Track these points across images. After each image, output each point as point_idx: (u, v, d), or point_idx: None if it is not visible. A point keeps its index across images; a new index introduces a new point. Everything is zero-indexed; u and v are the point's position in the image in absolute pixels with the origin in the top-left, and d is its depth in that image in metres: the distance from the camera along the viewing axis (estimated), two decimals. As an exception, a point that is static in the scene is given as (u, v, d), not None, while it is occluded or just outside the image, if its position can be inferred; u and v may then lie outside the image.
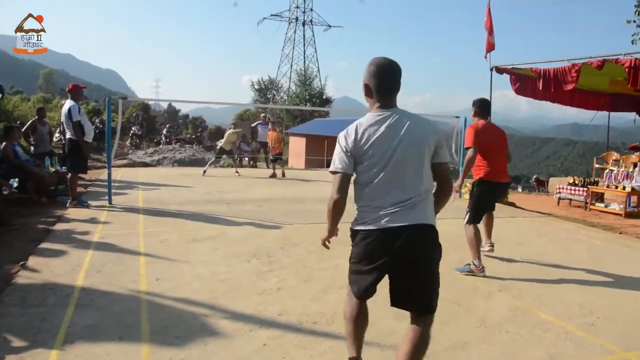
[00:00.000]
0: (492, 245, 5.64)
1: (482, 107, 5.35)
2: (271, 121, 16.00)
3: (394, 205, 2.45)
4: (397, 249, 2.42)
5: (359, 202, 2.58)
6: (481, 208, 5.37)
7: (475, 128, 5.20)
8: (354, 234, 2.61)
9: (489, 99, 5.62)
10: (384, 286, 2.56)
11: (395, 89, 2.57)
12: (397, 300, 2.57)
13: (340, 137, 2.57)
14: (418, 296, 2.51)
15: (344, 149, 2.53)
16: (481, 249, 5.31)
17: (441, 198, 2.66)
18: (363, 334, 2.75)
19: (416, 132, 2.50)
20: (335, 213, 2.56)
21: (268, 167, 17.58)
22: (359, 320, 2.70)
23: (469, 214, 5.29)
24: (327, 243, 2.84)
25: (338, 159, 2.53)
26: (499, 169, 5.28)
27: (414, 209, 2.46)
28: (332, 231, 2.71)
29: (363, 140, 2.48)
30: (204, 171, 13.73)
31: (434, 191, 2.64)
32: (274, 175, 13.81)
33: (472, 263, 5.05)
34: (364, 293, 2.59)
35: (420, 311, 2.55)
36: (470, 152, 5.13)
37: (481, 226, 5.42)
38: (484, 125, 5.27)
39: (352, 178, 2.59)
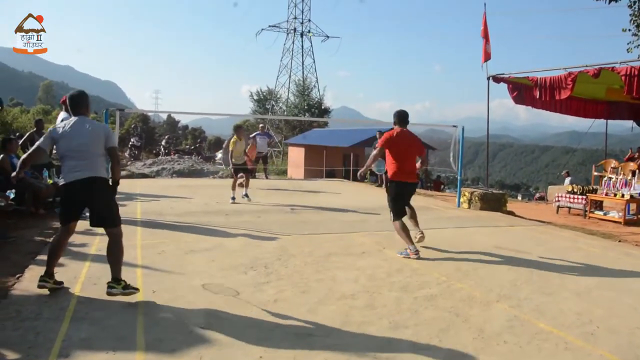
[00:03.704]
0: (422, 233, 6.44)
1: (400, 117, 6.29)
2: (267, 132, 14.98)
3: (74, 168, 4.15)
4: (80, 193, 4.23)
5: None
6: (399, 206, 6.21)
7: (390, 134, 6.19)
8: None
9: (406, 111, 6.43)
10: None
11: (80, 107, 4.29)
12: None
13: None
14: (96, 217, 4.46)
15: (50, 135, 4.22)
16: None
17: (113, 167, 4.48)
18: None
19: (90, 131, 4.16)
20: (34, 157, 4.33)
21: (267, 178, 17.46)
22: None
23: (391, 213, 6.19)
24: None
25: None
26: (407, 171, 6.15)
27: (86, 169, 4.15)
28: None
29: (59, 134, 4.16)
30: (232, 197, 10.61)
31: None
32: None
33: (408, 249, 5.92)
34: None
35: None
36: (376, 150, 6.47)
37: (407, 220, 6.33)
38: (398, 132, 6.16)
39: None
